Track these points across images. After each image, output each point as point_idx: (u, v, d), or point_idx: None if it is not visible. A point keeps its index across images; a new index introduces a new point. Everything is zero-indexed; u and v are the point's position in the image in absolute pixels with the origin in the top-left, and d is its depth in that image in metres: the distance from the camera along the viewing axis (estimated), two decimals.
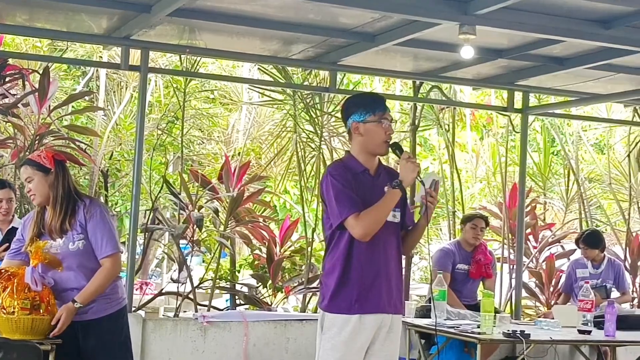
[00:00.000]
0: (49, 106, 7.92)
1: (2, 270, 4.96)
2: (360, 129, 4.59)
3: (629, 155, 11.31)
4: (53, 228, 4.86)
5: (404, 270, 4.69)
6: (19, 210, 7.61)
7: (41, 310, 4.86)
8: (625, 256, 10.46)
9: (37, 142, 7.81)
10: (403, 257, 4.71)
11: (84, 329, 4.92)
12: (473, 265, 8.11)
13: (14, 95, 7.92)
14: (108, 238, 4.86)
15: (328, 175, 4.53)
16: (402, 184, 4.47)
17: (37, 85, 7.80)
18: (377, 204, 4.43)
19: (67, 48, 10.97)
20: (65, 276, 4.89)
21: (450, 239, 10.26)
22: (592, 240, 8.67)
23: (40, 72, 7.83)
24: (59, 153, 5.26)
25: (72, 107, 9.61)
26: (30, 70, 8.23)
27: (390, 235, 4.55)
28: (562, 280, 9.01)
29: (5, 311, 4.80)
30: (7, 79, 7.78)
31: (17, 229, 6.38)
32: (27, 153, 7.79)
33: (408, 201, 4.70)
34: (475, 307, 7.85)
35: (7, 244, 6.23)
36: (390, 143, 4.61)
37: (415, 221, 4.72)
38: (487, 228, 8.53)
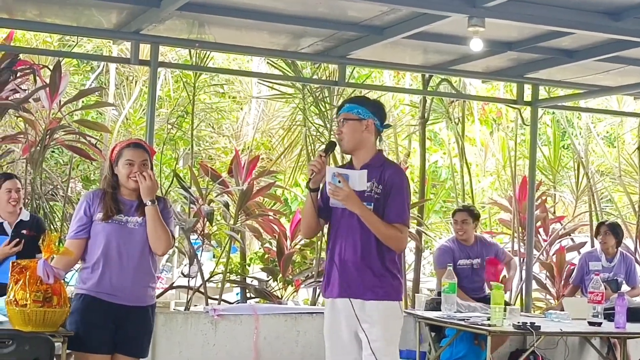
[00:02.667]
0: (60, 101, 7.96)
1: (15, 263, 5.01)
2: (373, 133, 4.93)
3: (639, 148, 11.29)
4: (139, 207, 5.06)
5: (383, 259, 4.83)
6: (29, 206, 7.65)
7: (53, 303, 4.89)
8: (635, 249, 10.45)
9: (48, 137, 7.84)
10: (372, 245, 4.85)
11: (129, 314, 5.04)
12: (488, 272, 8.05)
13: (25, 90, 7.96)
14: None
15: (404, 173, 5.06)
16: (308, 184, 4.88)
17: (47, 81, 7.83)
18: None
19: (76, 43, 11.00)
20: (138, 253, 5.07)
21: None
22: (615, 228, 8.71)
23: (51, 67, 7.86)
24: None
25: (83, 102, 9.64)
26: (41, 66, 8.27)
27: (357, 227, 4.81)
28: (574, 272, 8.99)
29: (17, 303, 4.84)
30: (18, 74, 7.81)
31: (25, 221, 6.47)
32: (37, 148, 7.83)
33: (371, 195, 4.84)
34: (483, 300, 7.87)
35: (18, 240, 6.28)
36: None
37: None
38: (476, 220, 8.36)
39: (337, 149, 5.16)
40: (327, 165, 4.85)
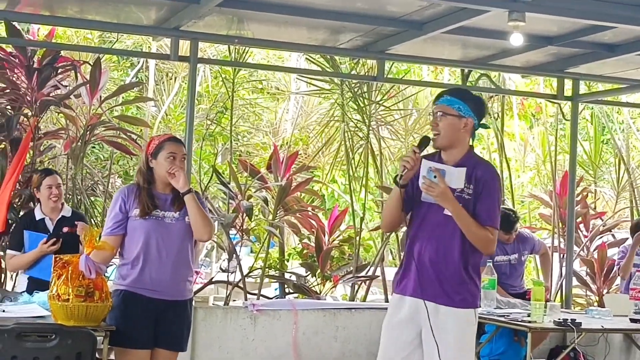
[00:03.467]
0: (100, 97, 8.01)
1: (57, 258, 5.07)
2: (470, 132, 4.71)
3: None
4: (174, 202, 5.14)
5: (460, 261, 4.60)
6: (71, 201, 7.72)
7: (95, 298, 4.95)
8: None
9: (88, 132, 7.90)
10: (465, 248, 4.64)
11: (169, 308, 5.12)
12: None
13: (66, 86, 8.02)
14: None
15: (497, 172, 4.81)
16: (396, 179, 4.61)
17: (88, 77, 7.89)
18: None
19: (117, 40, 11.08)
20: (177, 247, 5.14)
21: None
22: None
23: (92, 64, 7.92)
24: None
25: (122, 97, 9.71)
26: (82, 62, 8.33)
27: (442, 226, 4.60)
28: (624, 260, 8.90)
29: (60, 298, 4.90)
30: (59, 71, 7.87)
31: (67, 217, 6.51)
32: (78, 144, 7.90)
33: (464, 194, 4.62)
34: (520, 296, 7.82)
35: (55, 239, 6.31)
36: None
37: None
38: (518, 219, 8.31)
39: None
40: (423, 159, 4.60)
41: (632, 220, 10.82)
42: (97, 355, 5.07)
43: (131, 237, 5.11)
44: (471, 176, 4.59)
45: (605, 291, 9.50)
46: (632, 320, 6.93)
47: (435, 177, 4.49)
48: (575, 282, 9.48)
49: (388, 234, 8.69)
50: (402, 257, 4.77)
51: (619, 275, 8.59)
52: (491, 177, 4.67)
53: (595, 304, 9.30)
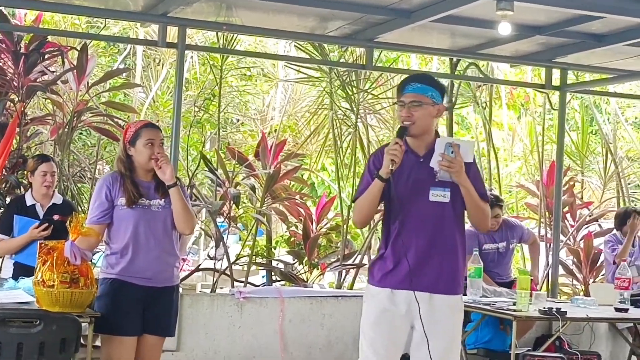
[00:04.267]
0: (87, 83, 7.99)
1: (42, 244, 5.06)
2: (440, 116, 4.68)
3: None
4: (158, 189, 5.15)
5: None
6: (57, 187, 7.69)
7: (80, 284, 4.96)
8: None
9: (75, 118, 7.88)
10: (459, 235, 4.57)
11: (157, 295, 5.13)
12: None
13: (53, 72, 7.99)
14: None
15: None
16: (379, 173, 4.40)
17: (75, 63, 7.86)
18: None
19: (104, 25, 11.02)
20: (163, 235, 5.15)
21: None
22: None
23: (79, 49, 7.89)
24: None
25: (110, 84, 9.67)
26: (69, 48, 8.29)
27: (432, 215, 4.48)
28: (603, 257, 8.92)
29: (45, 284, 4.89)
30: (46, 56, 7.84)
31: (57, 205, 6.50)
32: (65, 130, 7.87)
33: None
34: (508, 285, 7.85)
35: (47, 224, 6.30)
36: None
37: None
38: (502, 205, 8.34)
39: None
40: (440, 137, 4.47)
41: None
42: (82, 342, 5.07)
43: (118, 226, 5.10)
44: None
45: (591, 280, 9.54)
46: (617, 310, 6.96)
47: (452, 152, 4.36)
48: (561, 271, 9.51)
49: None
50: (380, 249, 4.59)
51: (614, 262, 8.61)
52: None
53: (581, 293, 9.34)
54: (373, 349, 4.52)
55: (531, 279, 7.51)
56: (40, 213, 6.44)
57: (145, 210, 5.10)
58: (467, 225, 6.96)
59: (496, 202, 7.91)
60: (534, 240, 8.60)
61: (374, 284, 4.57)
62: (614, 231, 8.97)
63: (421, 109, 4.47)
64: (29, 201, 6.49)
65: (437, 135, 4.60)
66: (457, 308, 4.59)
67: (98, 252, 6.16)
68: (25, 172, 6.70)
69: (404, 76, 10.69)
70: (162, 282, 5.17)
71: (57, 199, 6.60)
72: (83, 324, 5.01)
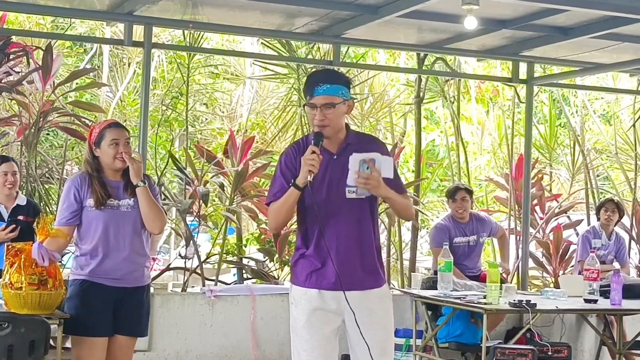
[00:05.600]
0: (53, 83, 7.93)
1: (10, 246, 5.02)
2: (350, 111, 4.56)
3: (634, 125, 11.28)
4: (126, 188, 5.11)
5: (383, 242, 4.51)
6: (25, 189, 7.63)
7: (49, 286, 4.91)
8: (631, 225, 10.46)
9: (42, 119, 7.82)
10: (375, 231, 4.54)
11: (128, 295, 5.10)
12: None
13: (18, 72, 7.93)
14: None
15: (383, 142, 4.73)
16: (296, 183, 4.28)
17: (41, 63, 7.80)
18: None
19: (70, 25, 10.95)
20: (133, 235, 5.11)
21: None
22: (620, 205, 8.89)
23: (44, 49, 7.82)
24: None
25: (76, 84, 9.60)
26: (34, 48, 8.22)
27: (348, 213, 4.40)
28: (577, 250, 8.97)
29: (13, 286, 4.85)
30: (11, 57, 7.78)
31: (22, 206, 6.45)
32: (32, 130, 7.81)
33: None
34: (477, 278, 7.89)
35: (14, 225, 6.25)
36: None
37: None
38: (471, 197, 8.41)
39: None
40: (353, 153, 4.29)
41: (587, 202, 10.98)
42: (51, 343, 5.04)
43: (87, 227, 5.07)
44: (369, 152, 4.33)
45: (560, 272, 9.61)
46: (586, 301, 7.00)
47: (368, 168, 4.25)
48: (531, 263, 9.57)
49: None
50: (300, 248, 4.47)
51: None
52: (385, 148, 4.56)
53: (551, 285, 9.39)
54: (310, 350, 4.40)
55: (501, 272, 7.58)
56: (5, 215, 6.40)
57: (115, 211, 5.06)
58: (438, 220, 6.99)
59: (464, 188, 8.24)
60: (502, 234, 8.66)
61: (300, 284, 4.45)
62: (583, 223, 9.05)
63: (334, 110, 4.36)
64: None
65: (347, 128, 4.50)
66: (386, 296, 4.53)
67: (67, 253, 6.12)
68: None
69: (372, 72, 10.64)
70: (132, 282, 5.13)
71: (21, 200, 6.55)
72: (52, 326, 4.97)
